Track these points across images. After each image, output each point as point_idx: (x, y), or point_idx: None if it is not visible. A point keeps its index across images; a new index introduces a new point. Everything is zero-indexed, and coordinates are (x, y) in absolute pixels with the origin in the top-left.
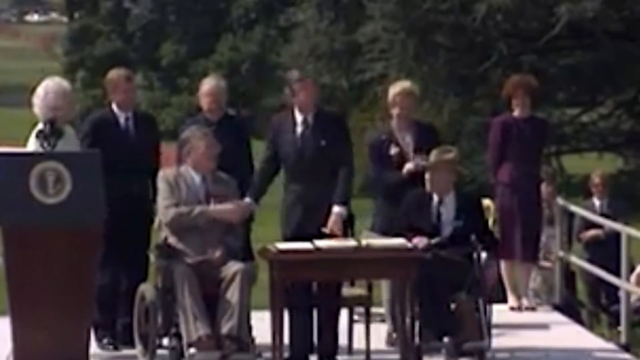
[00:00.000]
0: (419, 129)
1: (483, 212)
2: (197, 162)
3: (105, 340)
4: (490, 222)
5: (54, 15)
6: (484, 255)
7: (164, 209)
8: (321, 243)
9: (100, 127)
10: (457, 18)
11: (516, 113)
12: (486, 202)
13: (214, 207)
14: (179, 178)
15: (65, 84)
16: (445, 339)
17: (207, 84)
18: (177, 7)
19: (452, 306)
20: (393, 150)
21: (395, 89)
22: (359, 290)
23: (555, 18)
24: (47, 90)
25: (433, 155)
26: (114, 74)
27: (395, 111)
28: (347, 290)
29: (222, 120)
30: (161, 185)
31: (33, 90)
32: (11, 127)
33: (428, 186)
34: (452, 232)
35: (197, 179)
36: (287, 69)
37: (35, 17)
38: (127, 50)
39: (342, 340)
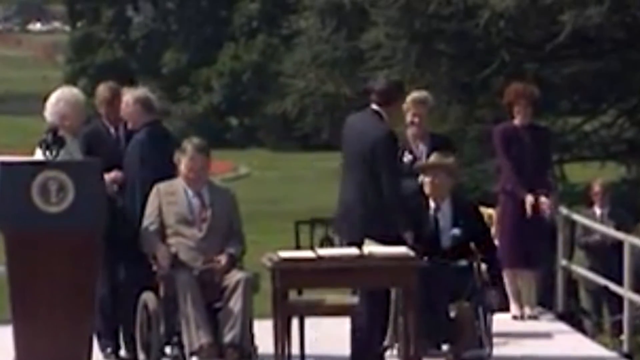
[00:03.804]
0: (433, 139)
1: (482, 218)
2: (183, 175)
3: (108, 350)
4: (493, 230)
5: (56, 24)
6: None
7: (142, 228)
8: (323, 251)
9: (92, 139)
10: (460, 24)
11: (517, 121)
12: (488, 210)
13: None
14: (173, 191)
15: (79, 95)
16: (444, 348)
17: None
18: (179, 16)
19: (452, 314)
20: (406, 158)
21: (410, 96)
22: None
23: (559, 26)
24: (59, 97)
25: (432, 157)
26: (101, 89)
27: (408, 118)
28: (347, 299)
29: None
30: (150, 198)
31: (46, 98)
32: (13, 135)
33: (426, 189)
34: (452, 242)
35: (190, 191)
36: (289, 77)
37: (37, 26)
38: (128, 58)
39: (345, 349)
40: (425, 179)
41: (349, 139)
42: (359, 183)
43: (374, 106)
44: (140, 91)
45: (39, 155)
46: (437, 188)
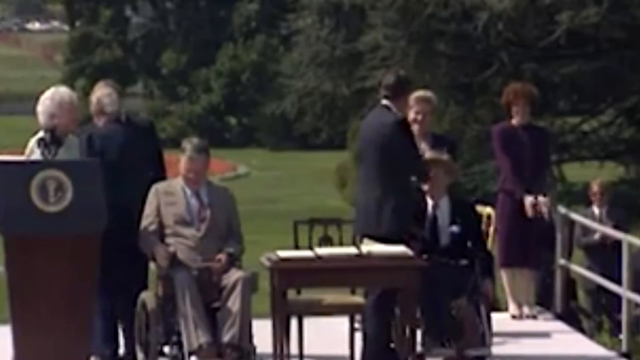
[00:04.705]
0: (435, 139)
1: (478, 219)
2: (182, 175)
3: (107, 350)
4: (492, 230)
5: (55, 23)
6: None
7: (141, 228)
8: (322, 251)
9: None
10: (458, 26)
11: (515, 121)
12: (487, 210)
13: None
14: (172, 191)
15: (66, 94)
16: (448, 346)
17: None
18: (178, 16)
19: (454, 312)
20: None
21: (413, 94)
22: (358, 299)
23: (557, 26)
24: (47, 96)
25: (428, 154)
26: (96, 87)
27: (411, 115)
28: (346, 299)
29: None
30: (148, 198)
31: (37, 98)
32: (12, 135)
33: (423, 186)
34: (451, 239)
35: (189, 191)
36: (288, 77)
37: (36, 26)
38: (127, 58)
39: (344, 348)
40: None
41: (363, 135)
42: (374, 178)
43: (384, 101)
44: (99, 92)
45: (32, 153)
46: (435, 185)
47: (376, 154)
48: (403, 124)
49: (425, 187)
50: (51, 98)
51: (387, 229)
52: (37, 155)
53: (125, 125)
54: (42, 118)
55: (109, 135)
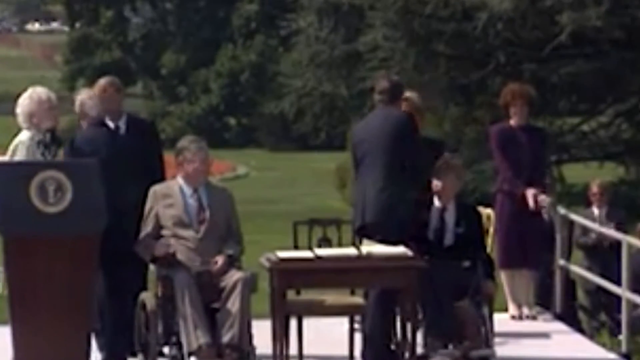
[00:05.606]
0: (425, 142)
1: (481, 223)
2: (188, 176)
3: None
4: (491, 230)
5: (55, 24)
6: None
7: (140, 233)
8: (322, 251)
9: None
10: (458, 26)
11: (513, 122)
12: (487, 211)
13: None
14: (170, 193)
15: (44, 93)
16: (451, 347)
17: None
18: (178, 17)
19: (457, 313)
20: None
21: None
22: (357, 299)
23: (558, 27)
24: (25, 96)
25: (441, 159)
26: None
27: None
28: (346, 299)
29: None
30: (147, 201)
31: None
32: (11, 135)
33: (435, 190)
34: (455, 238)
35: (188, 191)
36: (287, 77)
37: (36, 26)
38: (127, 59)
39: (343, 349)
40: (435, 181)
41: (367, 135)
42: (382, 176)
43: (382, 105)
44: (80, 96)
45: (16, 149)
46: (446, 188)
47: (385, 146)
48: (412, 119)
49: (435, 189)
50: (29, 97)
51: (396, 223)
52: (20, 156)
53: (111, 128)
54: (21, 118)
55: (93, 138)
